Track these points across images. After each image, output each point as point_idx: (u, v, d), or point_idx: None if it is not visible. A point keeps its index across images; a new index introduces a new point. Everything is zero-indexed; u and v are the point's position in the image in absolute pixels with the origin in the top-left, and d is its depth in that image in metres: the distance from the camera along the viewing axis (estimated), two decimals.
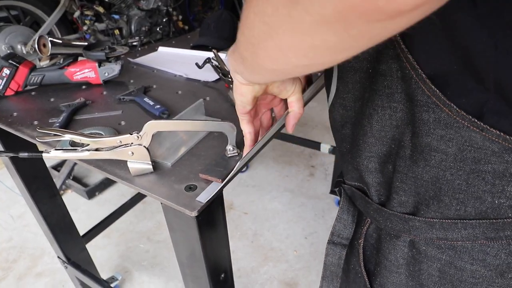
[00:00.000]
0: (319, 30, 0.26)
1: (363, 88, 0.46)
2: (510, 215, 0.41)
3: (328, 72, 0.54)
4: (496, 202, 0.41)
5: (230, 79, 0.96)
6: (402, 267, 0.53)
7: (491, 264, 0.45)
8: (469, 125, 0.38)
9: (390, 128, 0.45)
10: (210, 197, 0.59)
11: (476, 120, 0.37)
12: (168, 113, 0.88)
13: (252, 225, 2.04)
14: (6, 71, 0.97)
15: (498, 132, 0.37)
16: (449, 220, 0.44)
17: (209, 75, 1.12)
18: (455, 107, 0.38)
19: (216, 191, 0.60)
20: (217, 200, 0.65)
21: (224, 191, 0.65)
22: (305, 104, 0.91)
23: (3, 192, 2.36)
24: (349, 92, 0.48)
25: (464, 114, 0.37)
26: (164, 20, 3.25)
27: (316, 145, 2.18)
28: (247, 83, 0.50)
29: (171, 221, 0.67)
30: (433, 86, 0.38)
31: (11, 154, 0.70)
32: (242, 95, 0.52)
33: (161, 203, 0.63)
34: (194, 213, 0.57)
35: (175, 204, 0.58)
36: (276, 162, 2.59)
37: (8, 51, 2.28)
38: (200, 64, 1.15)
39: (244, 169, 2.47)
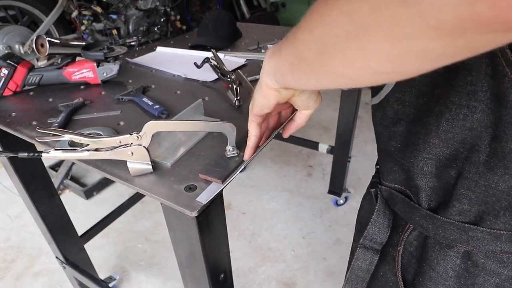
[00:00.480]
0: (426, 36, 0.23)
1: (433, 83, 0.42)
2: None
3: None
4: None
5: (229, 79, 0.96)
6: (451, 279, 0.50)
7: None
8: None
9: (462, 130, 0.41)
10: (210, 197, 0.59)
11: None
12: (167, 113, 0.88)
13: (250, 225, 2.05)
14: (4, 71, 0.97)
15: None
16: None
17: (207, 75, 1.12)
18: None
19: (216, 192, 0.60)
20: (217, 201, 0.66)
21: (223, 191, 0.65)
22: None
23: (1, 192, 2.36)
24: (414, 86, 0.44)
25: None
26: (162, 20, 3.25)
27: (314, 145, 2.18)
28: (276, 89, 0.46)
29: (170, 221, 0.68)
30: None
31: (11, 154, 0.70)
32: (266, 98, 0.48)
33: (161, 203, 0.63)
34: (194, 214, 0.57)
35: (175, 204, 0.59)
36: (274, 162, 2.59)
37: (6, 51, 2.27)
38: (198, 64, 1.15)
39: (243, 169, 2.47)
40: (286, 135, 0.57)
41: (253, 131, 0.57)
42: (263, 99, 0.49)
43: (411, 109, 0.46)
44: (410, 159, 0.48)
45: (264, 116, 0.55)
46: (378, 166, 0.61)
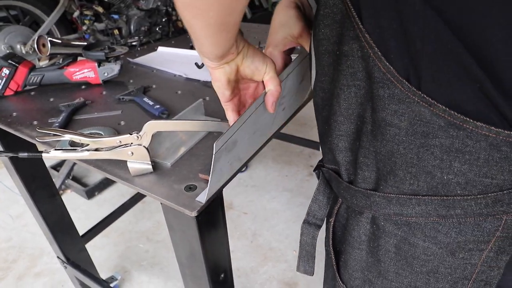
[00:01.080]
0: None
1: (333, 69, 0.48)
2: (458, 192, 0.43)
3: (310, 60, 0.56)
4: (445, 178, 0.43)
5: None
6: (364, 243, 0.55)
7: (442, 242, 0.47)
8: (419, 100, 0.40)
9: (356, 105, 0.47)
10: (210, 197, 0.59)
11: (425, 96, 0.39)
12: (168, 113, 0.88)
13: (251, 225, 2.04)
14: (6, 71, 0.97)
15: (444, 107, 0.39)
16: (404, 196, 0.46)
17: (208, 75, 1.12)
18: (406, 83, 0.40)
19: (215, 192, 0.60)
20: (217, 200, 0.65)
21: (224, 191, 0.65)
22: (305, 103, 0.91)
23: (2, 192, 2.36)
24: (326, 74, 0.50)
25: (415, 89, 0.40)
26: (164, 20, 3.24)
27: (315, 145, 2.18)
28: (217, 66, 0.52)
29: (171, 221, 0.67)
30: (387, 63, 0.40)
31: (11, 154, 0.70)
32: (216, 80, 0.54)
33: (161, 203, 0.63)
34: (194, 213, 0.57)
35: (175, 204, 0.59)
36: (275, 162, 2.59)
37: (8, 51, 2.28)
38: (199, 64, 1.15)
39: (243, 169, 2.47)
40: (269, 107, 0.58)
41: (231, 118, 0.59)
42: (215, 82, 0.54)
43: (328, 95, 0.51)
44: (329, 137, 0.53)
45: (235, 101, 0.59)
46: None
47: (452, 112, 0.39)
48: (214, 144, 0.50)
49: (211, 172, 0.53)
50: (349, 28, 0.42)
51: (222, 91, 0.56)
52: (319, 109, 0.55)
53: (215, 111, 0.89)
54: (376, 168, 0.48)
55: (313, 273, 0.69)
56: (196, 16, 0.42)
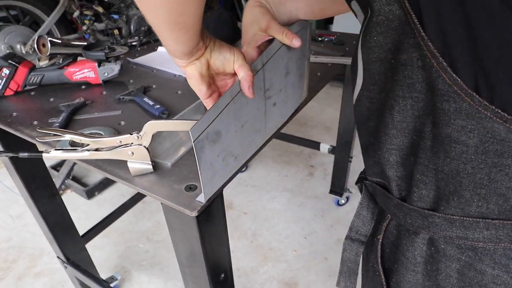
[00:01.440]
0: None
1: (386, 79, 0.45)
2: None
3: (354, 67, 0.53)
4: None
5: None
6: (420, 265, 0.51)
7: None
8: (492, 115, 0.36)
9: (412, 118, 0.44)
10: (210, 196, 0.59)
11: (500, 111, 0.35)
12: (168, 113, 0.88)
13: (252, 225, 2.04)
14: (6, 71, 0.97)
15: None
16: (470, 219, 0.43)
17: None
18: (477, 96, 0.36)
19: (214, 191, 0.60)
20: (217, 200, 0.65)
21: (224, 191, 0.65)
22: (305, 103, 0.91)
23: (2, 192, 2.36)
24: (375, 84, 0.47)
25: (487, 104, 0.36)
26: None
27: (315, 145, 2.18)
28: (187, 63, 0.54)
29: (171, 221, 0.67)
30: (454, 75, 0.37)
31: (11, 154, 0.70)
32: (190, 77, 0.56)
33: (161, 203, 0.63)
34: (194, 213, 0.57)
35: (175, 204, 0.59)
36: (275, 162, 2.59)
37: (8, 51, 2.28)
38: None
39: (243, 169, 2.47)
40: (246, 92, 0.57)
41: None
42: (190, 79, 0.56)
43: (377, 105, 0.48)
44: (378, 151, 0.50)
45: (214, 96, 0.62)
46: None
47: None
48: (190, 131, 0.49)
49: (197, 164, 0.52)
50: (409, 35, 0.39)
51: (198, 87, 0.59)
52: (364, 120, 0.52)
53: None
54: (435, 187, 0.45)
55: None
56: (148, 13, 0.45)
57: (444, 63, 0.37)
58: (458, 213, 0.44)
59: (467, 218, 0.43)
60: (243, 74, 0.56)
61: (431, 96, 0.40)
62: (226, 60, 0.57)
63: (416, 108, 0.42)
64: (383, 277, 0.59)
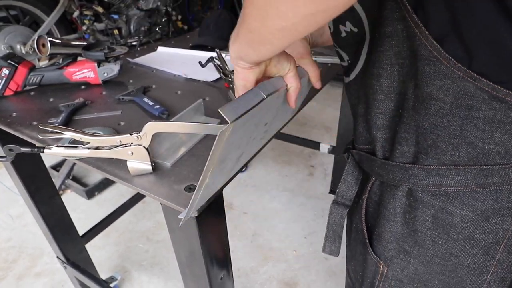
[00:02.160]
0: None
1: (372, 52, 0.51)
2: (498, 161, 0.46)
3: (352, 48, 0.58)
4: (486, 148, 0.46)
5: (230, 79, 0.96)
6: (399, 215, 0.58)
7: (479, 209, 0.50)
8: (464, 75, 0.43)
9: (398, 83, 0.50)
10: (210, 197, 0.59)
11: (470, 71, 0.42)
12: (168, 113, 0.88)
13: (252, 225, 2.04)
14: (5, 71, 0.97)
15: (487, 81, 0.42)
16: (444, 167, 0.49)
17: (208, 75, 1.12)
18: (453, 59, 0.43)
19: (215, 192, 0.60)
20: (217, 201, 0.65)
21: (224, 191, 0.65)
22: (305, 103, 0.91)
23: (2, 192, 2.36)
24: (378, 60, 0.52)
25: (460, 65, 0.43)
26: (163, 20, 3.25)
27: (315, 145, 2.18)
28: (249, 67, 0.53)
29: (171, 221, 0.67)
30: (434, 42, 0.43)
31: (11, 146, 0.70)
32: (245, 79, 0.55)
33: (161, 204, 0.63)
34: (194, 213, 0.57)
35: (175, 204, 0.59)
36: (275, 162, 2.59)
37: (7, 51, 2.28)
38: (203, 63, 1.15)
39: (243, 169, 2.46)
40: (292, 104, 0.61)
41: None
42: (243, 81, 0.55)
43: (365, 78, 0.55)
44: (368, 116, 0.56)
45: None
46: (353, 135, 0.69)
47: (495, 86, 0.42)
48: (224, 112, 0.44)
49: (211, 158, 0.48)
50: (394, 10, 0.45)
51: (246, 89, 0.57)
52: (359, 92, 0.58)
53: (215, 111, 0.89)
54: (415, 142, 0.51)
55: (339, 254, 0.72)
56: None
57: (426, 32, 0.43)
58: (435, 163, 0.50)
59: (442, 167, 0.50)
60: (294, 85, 0.58)
61: (414, 61, 0.46)
62: (282, 68, 0.57)
63: (401, 73, 0.49)
64: (366, 232, 0.64)
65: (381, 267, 0.62)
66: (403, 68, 0.48)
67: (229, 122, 0.43)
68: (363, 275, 0.68)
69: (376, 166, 0.58)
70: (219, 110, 0.43)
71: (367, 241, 0.64)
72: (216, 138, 0.43)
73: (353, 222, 0.69)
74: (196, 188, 0.50)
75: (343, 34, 0.58)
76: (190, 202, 0.51)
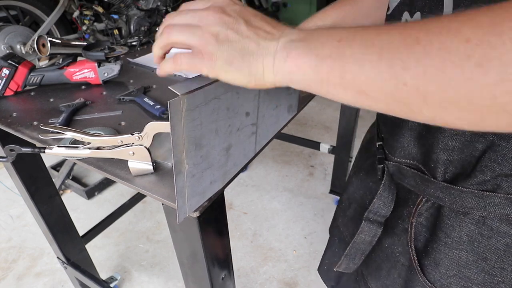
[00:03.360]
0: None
1: None
2: None
3: None
4: None
5: None
6: (465, 243, 0.52)
7: None
8: None
9: None
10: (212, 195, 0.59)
11: None
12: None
13: (252, 225, 2.04)
14: (6, 71, 0.97)
15: None
16: None
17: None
18: None
19: (217, 191, 0.60)
20: (218, 200, 0.65)
21: (224, 191, 0.65)
22: (305, 103, 0.91)
23: (2, 192, 2.36)
24: None
25: None
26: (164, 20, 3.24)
27: (315, 145, 2.18)
28: (267, 83, 0.41)
29: (172, 222, 0.67)
30: None
31: (12, 146, 0.70)
32: (236, 79, 0.42)
33: (162, 204, 0.63)
34: (196, 214, 0.57)
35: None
36: (275, 162, 2.59)
37: (7, 51, 2.28)
38: None
39: (243, 169, 2.46)
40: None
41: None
42: (233, 75, 0.41)
43: None
44: (435, 134, 0.49)
45: None
46: (380, 143, 0.63)
47: None
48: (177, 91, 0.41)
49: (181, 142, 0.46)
50: None
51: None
52: None
53: None
54: (504, 172, 0.45)
55: (353, 270, 0.68)
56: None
57: None
58: None
59: None
60: None
61: None
62: None
63: None
64: (415, 258, 0.59)
65: None
66: None
67: (179, 94, 0.40)
68: None
69: (433, 188, 0.52)
70: (169, 87, 0.40)
71: (418, 268, 0.59)
72: (169, 111, 0.41)
73: (385, 242, 0.64)
74: (173, 168, 0.47)
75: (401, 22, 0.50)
76: (175, 189, 0.49)
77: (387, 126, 0.60)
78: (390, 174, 0.60)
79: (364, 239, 0.63)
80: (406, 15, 0.49)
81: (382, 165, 0.61)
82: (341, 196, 0.81)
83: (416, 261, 0.59)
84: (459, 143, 0.48)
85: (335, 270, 0.69)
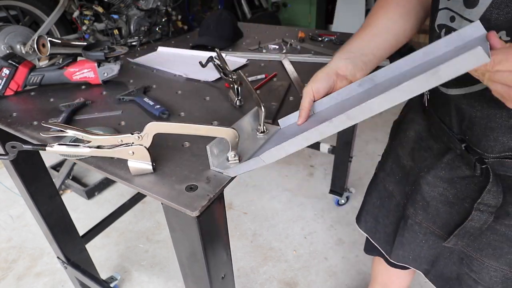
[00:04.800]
0: None
1: None
2: None
3: None
4: None
5: (231, 79, 0.96)
6: None
7: None
8: None
9: None
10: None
11: None
12: (168, 113, 0.88)
13: (252, 225, 2.04)
14: (6, 71, 0.97)
15: None
16: None
17: (209, 75, 1.12)
18: None
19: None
20: (218, 200, 0.65)
21: (224, 191, 0.65)
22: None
23: (2, 192, 2.36)
24: None
25: None
26: (164, 20, 3.25)
27: (315, 145, 2.18)
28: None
29: (171, 221, 0.67)
30: None
31: (14, 143, 0.70)
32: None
33: (162, 203, 0.63)
34: (195, 213, 0.57)
35: (176, 204, 0.58)
36: (275, 162, 2.59)
37: (8, 51, 2.28)
38: (203, 63, 1.15)
39: None
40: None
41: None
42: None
43: None
44: None
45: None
46: (464, 144, 0.69)
47: None
48: None
49: None
50: None
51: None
52: (478, 102, 0.60)
53: (215, 110, 0.89)
54: None
55: (461, 246, 0.77)
56: None
57: None
58: None
59: None
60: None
61: None
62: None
63: None
64: None
65: None
66: None
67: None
68: None
69: None
70: None
71: None
72: None
73: (501, 228, 0.70)
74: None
75: None
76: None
77: (474, 131, 0.66)
78: (494, 170, 0.66)
79: (474, 226, 0.71)
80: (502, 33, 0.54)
81: (485, 165, 0.67)
82: (413, 195, 0.86)
83: None
84: None
85: (444, 245, 0.78)
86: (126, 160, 0.65)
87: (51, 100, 0.98)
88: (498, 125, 0.61)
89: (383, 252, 1.00)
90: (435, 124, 0.76)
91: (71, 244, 1.37)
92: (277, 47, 1.46)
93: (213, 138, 0.65)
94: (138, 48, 1.53)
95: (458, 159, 0.73)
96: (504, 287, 0.75)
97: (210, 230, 0.66)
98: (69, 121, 0.86)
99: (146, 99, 0.93)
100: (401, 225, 0.90)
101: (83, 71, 1.04)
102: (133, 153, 0.64)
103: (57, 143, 0.66)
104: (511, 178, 0.66)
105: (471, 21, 0.55)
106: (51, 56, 1.14)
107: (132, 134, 0.63)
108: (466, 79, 0.56)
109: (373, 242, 1.04)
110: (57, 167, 2.41)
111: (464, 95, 0.63)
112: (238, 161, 0.66)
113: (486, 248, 0.74)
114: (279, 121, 0.77)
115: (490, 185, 0.67)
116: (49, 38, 1.08)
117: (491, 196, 0.67)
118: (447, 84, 0.65)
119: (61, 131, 0.65)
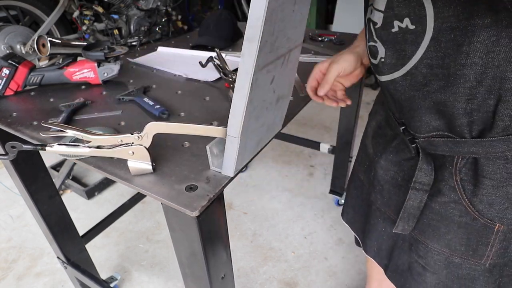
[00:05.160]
0: None
1: (457, 44, 0.54)
2: None
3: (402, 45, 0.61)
4: None
5: (230, 79, 0.96)
6: (508, 180, 0.63)
7: None
8: None
9: (492, 69, 0.53)
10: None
11: None
12: (168, 113, 0.88)
13: (252, 225, 2.04)
14: (6, 71, 0.97)
15: None
16: None
17: (208, 75, 1.12)
18: None
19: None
20: (218, 200, 0.65)
21: (224, 191, 0.65)
22: (305, 103, 0.91)
23: (2, 192, 2.36)
24: (440, 51, 0.56)
25: None
26: (163, 20, 3.25)
27: (315, 145, 2.18)
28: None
29: (171, 221, 0.67)
30: None
31: (13, 143, 0.70)
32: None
33: (161, 203, 0.63)
34: (195, 213, 0.57)
35: (176, 204, 0.58)
36: (275, 162, 2.59)
37: (8, 51, 2.28)
38: (203, 63, 1.15)
39: (243, 169, 2.47)
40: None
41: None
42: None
43: (440, 70, 0.57)
44: (453, 103, 0.59)
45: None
46: (403, 127, 0.74)
47: None
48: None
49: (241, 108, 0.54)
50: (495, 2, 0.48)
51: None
52: (417, 85, 0.62)
53: (215, 110, 0.89)
54: None
55: (409, 231, 0.79)
56: None
57: None
58: None
59: None
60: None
61: None
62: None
63: (496, 59, 0.52)
64: (471, 206, 0.69)
65: (497, 227, 0.67)
66: (499, 55, 0.51)
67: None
68: (467, 243, 0.72)
69: (466, 147, 0.63)
70: None
71: (474, 213, 0.68)
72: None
73: (435, 205, 0.73)
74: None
75: (394, 29, 0.60)
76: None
77: (404, 113, 0.71)
78: (423, 149, 0.70)
79: (413, 205, 0.74)
80: (397, 23, 0.60)
81: (414, 144, 0.72)
82: (373, 180, 0.90)
83: (472, 209, 0.68)
84: (475, 105, 0.57)
85: (394, 231, 0.80)
86: (126, 160, 0.65)
87: (51, 100, 0.98)
88: (418, 105, 0.66)
89: (360, 243, 1.03)
90: (389, 113, 0.81)
91: (71, 244, 1.37)
92: None
93: (213, 138, 0.65)
94: (138, 48, 1.53)
95: (403, 142, 0.77)
96: (448, 272, 0.78)
97: (210, 230, 0.66)
98: (69, 121, 0.86)
99: (146, 99, 0.93)
100: (367, 211, 0.94)
101: (83, 71, 1.04)
102: (133, 153, 0.64)
103: (57, 143, 0.66)
104: (441, 156, 0.70)
105: (380, 11, 0.62)
106: (51, 56, 1.14)
107: (132, 134, 0.63)
108: (391, 66, 0.65)
109: (353, 232, 1.08)
110: (57, 167, 2.41)
111: (390, 81, 0.67)
112: None
113: (427, 228, 0.77)
114: None
115: (420, 163, 0.71)
116: (49, 38, 1.08)
117: (423, 174, 0.71)
118: (379, 72, 0.69)
119: (61, 131, 0.65)
